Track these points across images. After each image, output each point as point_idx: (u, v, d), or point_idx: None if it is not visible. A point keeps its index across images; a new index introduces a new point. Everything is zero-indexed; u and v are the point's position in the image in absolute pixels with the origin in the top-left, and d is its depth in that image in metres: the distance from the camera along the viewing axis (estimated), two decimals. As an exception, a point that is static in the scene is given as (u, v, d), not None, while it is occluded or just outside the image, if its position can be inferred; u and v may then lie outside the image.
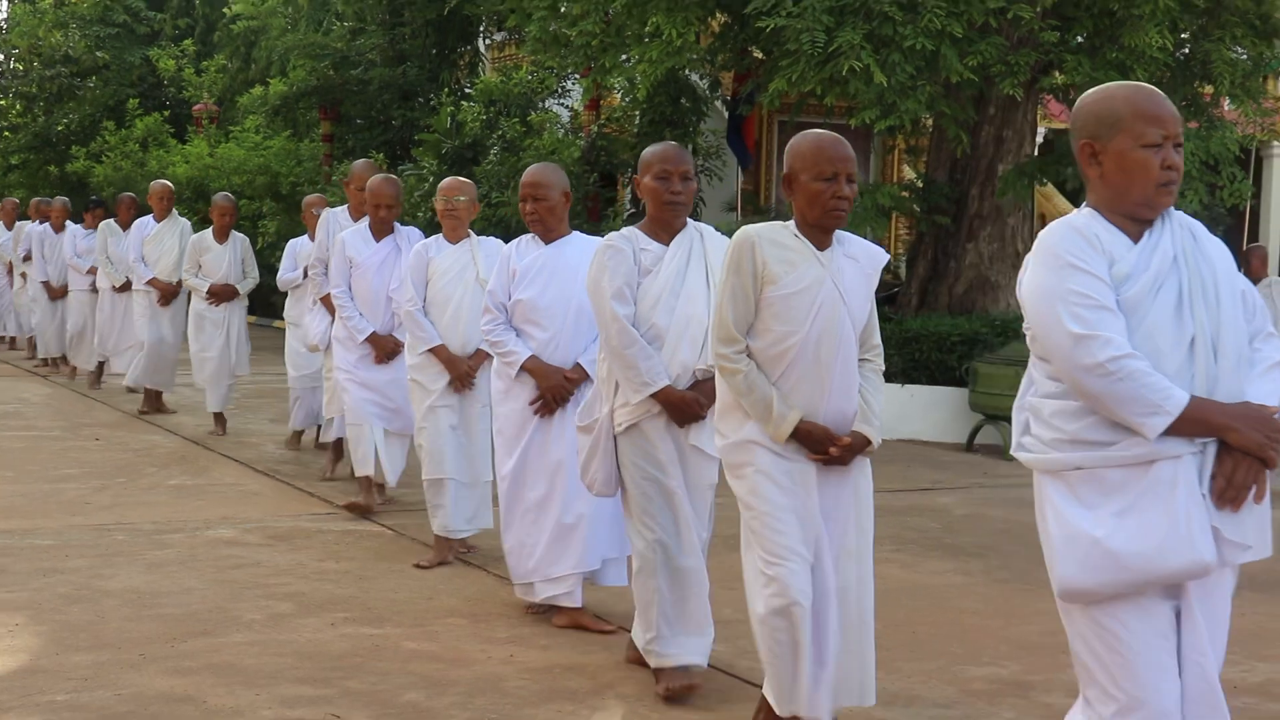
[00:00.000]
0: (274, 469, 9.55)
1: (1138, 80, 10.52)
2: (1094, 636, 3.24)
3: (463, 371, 6.75)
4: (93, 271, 13.96)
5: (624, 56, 13.19)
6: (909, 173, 16.62)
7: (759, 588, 4.15)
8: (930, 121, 12.94)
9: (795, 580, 4.08)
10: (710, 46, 14.07)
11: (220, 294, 11.05)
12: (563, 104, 18.53)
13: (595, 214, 16.35)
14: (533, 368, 5.71)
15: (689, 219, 5.08)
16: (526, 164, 15.65)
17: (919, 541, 7.74)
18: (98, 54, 28.59)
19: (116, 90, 28.65)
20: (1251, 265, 12.10)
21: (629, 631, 5.27)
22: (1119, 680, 3.21)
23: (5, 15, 33.18)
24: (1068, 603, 3.28)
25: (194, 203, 22.03)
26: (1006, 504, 8.93)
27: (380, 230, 7.85)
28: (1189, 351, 3.18)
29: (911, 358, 12.05)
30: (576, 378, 5.72)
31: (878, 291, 4.49)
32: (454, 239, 6.89)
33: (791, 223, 4.23)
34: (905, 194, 13.36)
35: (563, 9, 13.31)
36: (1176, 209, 3.31)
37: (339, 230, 8.33)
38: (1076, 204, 16.49)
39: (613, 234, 5.00)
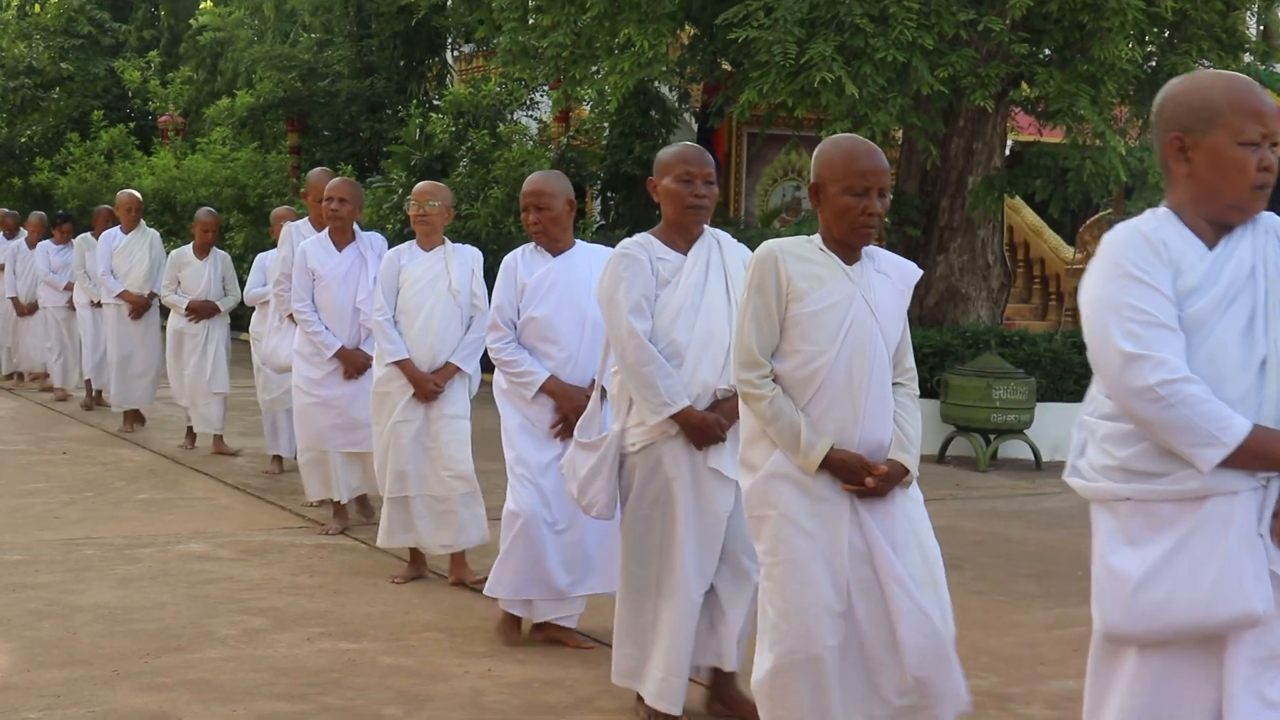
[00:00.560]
0: (244, 483, 9.47)
1: (1108, 91, 10.62)
2: (1134, 678, 2.94)
3: (429, 390, 6.50)
4: (70, 288, 13.64)
5: (594, 68, 13.17)
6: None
7: (774, 641, 3.82)
8: (900, 133, 12.98)
9: (820, 631, 3.77)
10: (680, 59, 14.08)
11: (199, 310, 10.69)
12: (531, 116, 18.51)
13: (565, 226, 16.30)
14: (554, 389, 5.45)
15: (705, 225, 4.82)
16: (496, 176, 15.69)
17: (894, 553, 7.72)
18: (62, 65, 28.38)
19: (81, 102, 28.45)
20: None
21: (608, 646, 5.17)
22: None
23: (-33, 26, 32.93)
24: (1112, 645, 2.99)
25: (160, 215, 21.90)
26: (980, 515, 8.94)
27: (341, 238, 7.54)
28: (1259, 375, 2.87)
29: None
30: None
31: None
32: (427, 246, 6.65)
33: (817, 236, 3.93)
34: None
35: (532, 21, 13.30)
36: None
37: (300, 243, 8.04)
38: (1044, 216, 16.64)
39: (627, 241, 4.70)
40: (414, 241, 6.71)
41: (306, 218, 8.58)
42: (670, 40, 12.72)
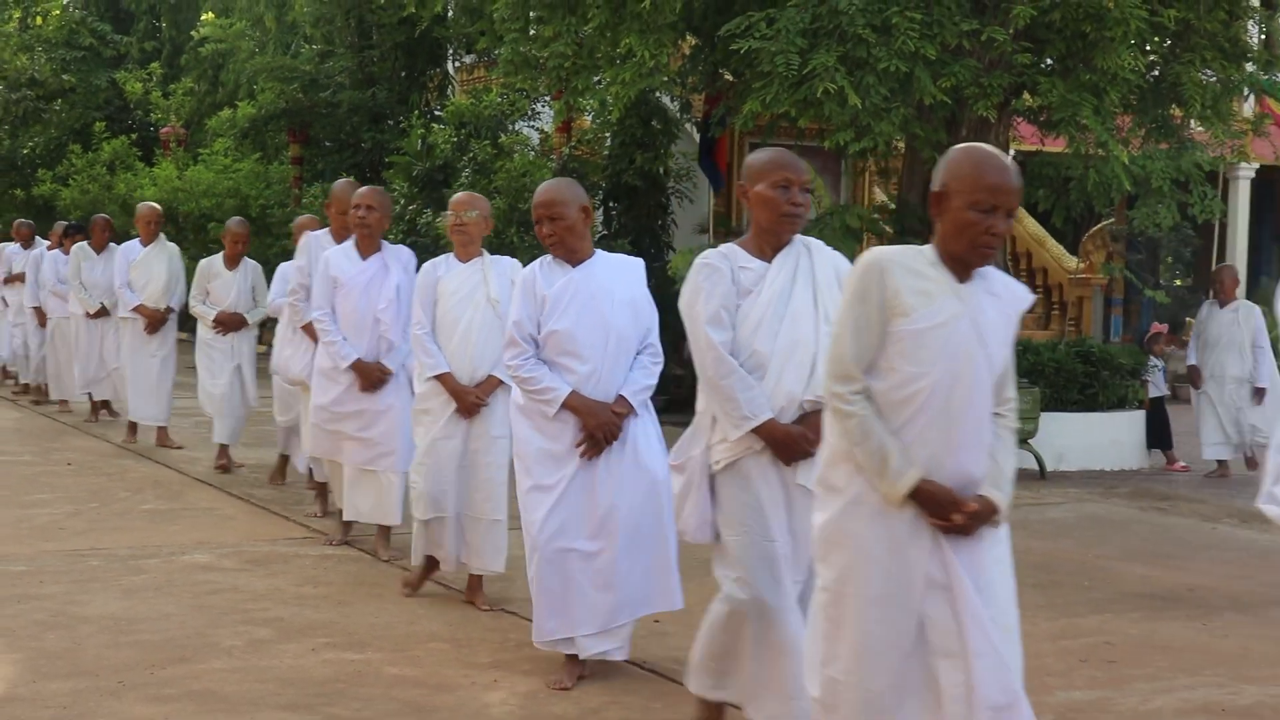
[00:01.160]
0: (249, 493, 9.46)
1: (1111, 101, 10.61)
2: None
3: (470, 403, 6.28)
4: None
5: (596, 78, 13.18)
6: (880, 195, 16.67)
7: (830, 676, 3.59)
8: (902, 143, 12.98)
9: (882, 670, 3.53)
10: (681, 69, 14.09)
11: (227, 323, 10.37)
12: (533, 126, 18.52)
13: (567, 236, 16.29)
14: (577, 405, 5.19)
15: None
16: (498, 186, 15.70)
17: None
18: (64, 77, 28.39)
19: (83, 113, 28.46)
20: (1224, 285, 12.11)
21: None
22: None
23: (-31, 38, 32.98)
24: None
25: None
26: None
27: (367, 246, 7.29)
28: None
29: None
30: (624, 412, 5.24)
31: None
32: (464, 257, 6.44)
33: (929, 248, 3.62)
34: (877, 216, 13.38)
35: (534, 31, 13.31)
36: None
37: (321, 253, 7.80)
38: (1047, 226, 16.62)
39: (709, 251, 4.45)
40: (451, 254, 6.52)
41: (328, 229, 8.32)
42: (671, 51, 12.73)
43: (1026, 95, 12.09)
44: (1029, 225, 17.27)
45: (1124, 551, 8.46)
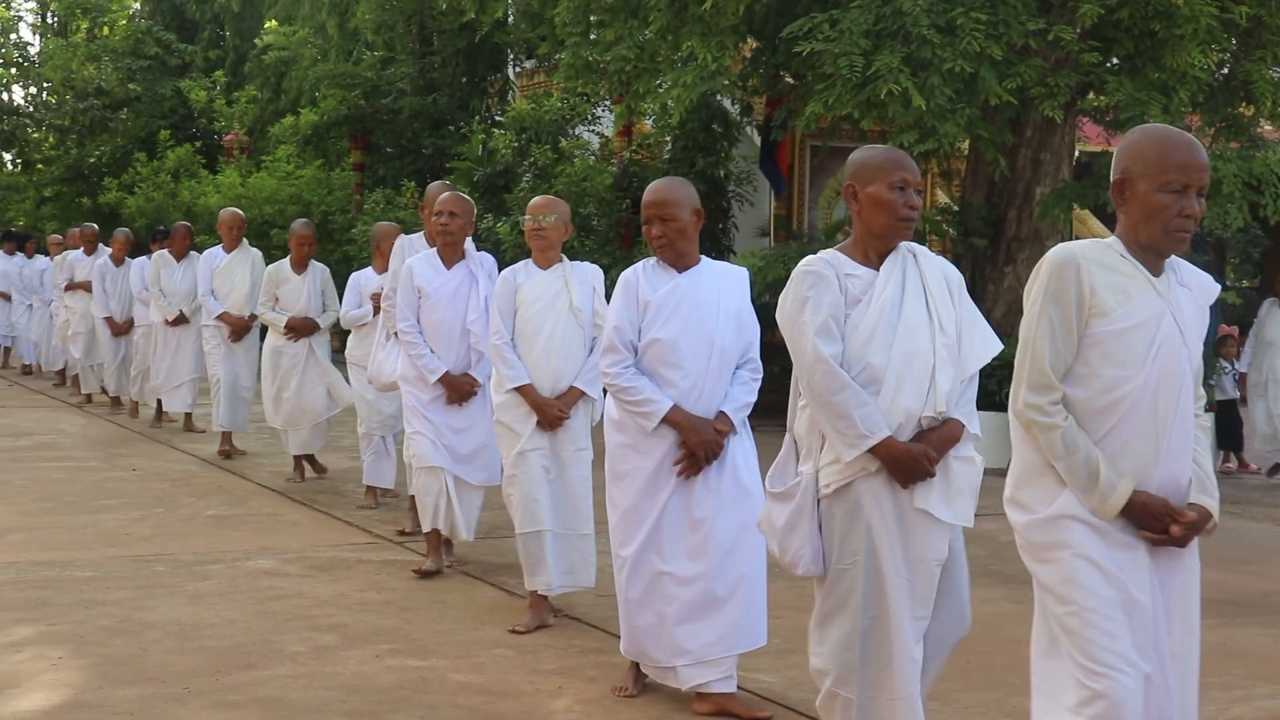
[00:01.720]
0: (312, 498, 9.49)
1: (1180, 99, 10.44)
2: None
3: (553, 415, 6.01)
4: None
5: (658, 81, 13.15)
6: (941, 196, 16.53)
7: (1075, 705, 3.28)
8: (966, 145, 12.86)
9: (1130, 699, 3.24)
10: (742, 72, 14.03)
11: (298, 328, 10.09)
12: (593, 131, 18.53)
13: (628, 241, 16.30)
14: (679, 420, 4.88)
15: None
16: (559, 191, 15.69)
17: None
18: (129, 86, 28.75)
19: (148, 122, 28.80)
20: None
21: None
22: None
23: (38, 49, 33.47)
24: None
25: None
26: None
27: (451, 255, 7.03)
28: None
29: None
30: (726, 429, 4.94)
31: None
32: (544, 263, 6.17)
33: (1116, 240, 3.42)
34: (939, 217, 13.27)
35: (594, 36, 13.30)
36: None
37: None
38: (1112, 227, 16.44)
39: (810, 258, 4.06)
40: (529, 260, 6.25)
41: (421, 233, 8.03)
42: (733, 53, 12.68)
43: (1092, 95, 11.94)
44: (1093, 225, 17.05)
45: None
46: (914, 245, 4.12)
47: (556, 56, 14.90)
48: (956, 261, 13.45)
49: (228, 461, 11.16)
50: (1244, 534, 9.17)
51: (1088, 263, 3.34)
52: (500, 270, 6.48)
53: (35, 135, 31.20)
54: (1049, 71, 10.91)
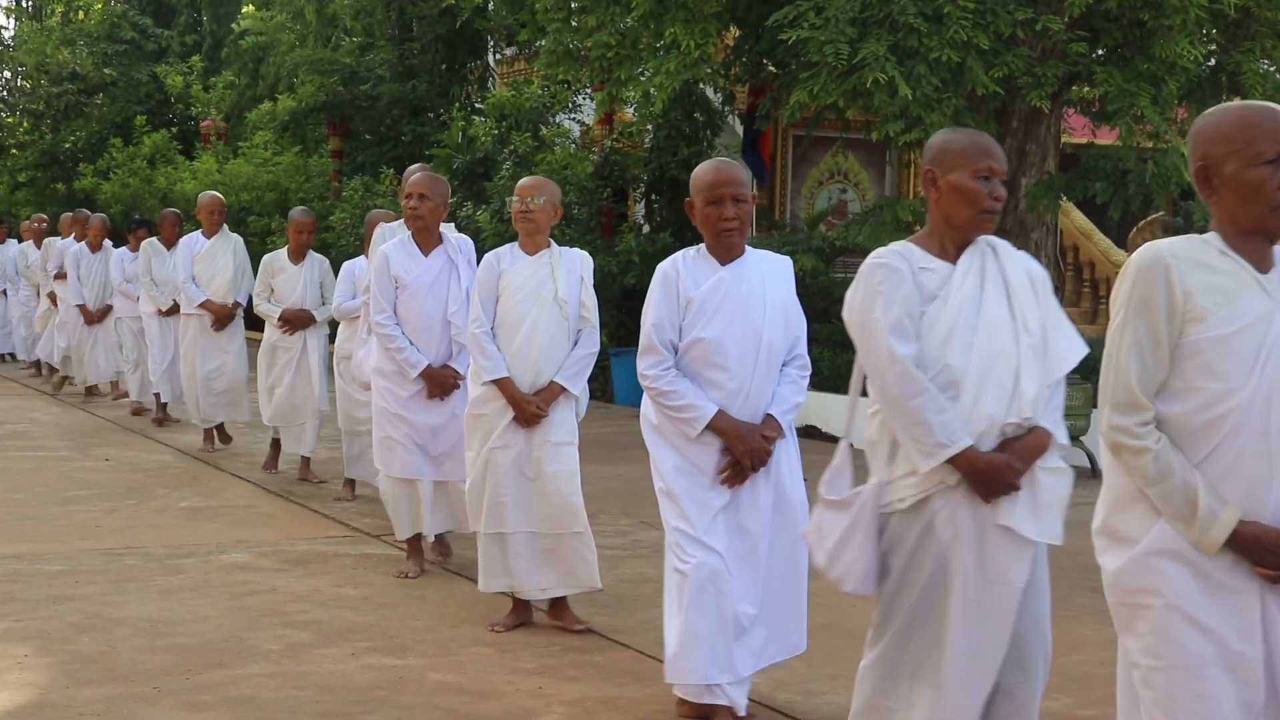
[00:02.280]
0: (287, 490, 9.33)
1: (1169, 90, 10.35)
2: None
3: (530, 412, 5.71)
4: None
5: (640, 69, 12.99)
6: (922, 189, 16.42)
7: None
8: (951, 135, 12.74)
9: None
10: (724, 60, 13.89)
11: (293, 321, 9.55)
12: (574, 118, 18.38)
13: (609, 229, 16.16)
14: (724, 427, 4.50)
15: None
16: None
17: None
18: (105, 71, 28.47)
19: (124, 107, 28.53)
20: None
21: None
22: None
23: (12, 33, 33.14)
24: None
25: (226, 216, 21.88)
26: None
27: (426, 240, 6.73)
28: None
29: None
30: (774, 435, 4.57)
31: None
32: (531, 249, 5.86)
33: (1213, 235, 3.05)
34: (924, 209, 13.15)
35: (575, 22, 13.14)
36: None
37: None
38: (1098, 221, 16.35)
39: (882, 250, 3.71)
40: (514, 244, 5.93)
41: (400, 220, 7.54)
42: (716, 41, 12.54)
43: (1079, 85, 11.84)
44: (1076, 218, 17.00)
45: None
46: (993, 239, 3.76)
47: (537, 43, 14.72)
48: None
49: (203, 452, 10.91)
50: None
51: (1179, 262, 2.96)
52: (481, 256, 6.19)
53: (9, 120, 30.89)
54: (1036, 61, 10.79)
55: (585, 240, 15.13)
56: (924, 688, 3.62)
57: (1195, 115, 11.82)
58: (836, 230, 14.86)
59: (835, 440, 4.71)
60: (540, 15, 13.29)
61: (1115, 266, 16.63)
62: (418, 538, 7.00)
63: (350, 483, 9.00)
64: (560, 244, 6.01)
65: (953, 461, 3.51)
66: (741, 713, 4.65)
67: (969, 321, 3.59)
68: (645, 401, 4.71)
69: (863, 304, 3.65)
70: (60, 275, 14.86)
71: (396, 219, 7.67)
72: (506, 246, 5.95)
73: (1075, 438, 10.89)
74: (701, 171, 4.63)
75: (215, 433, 11.10)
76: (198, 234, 10.93)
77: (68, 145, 28.44)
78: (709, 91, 15.88)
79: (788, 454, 4.69)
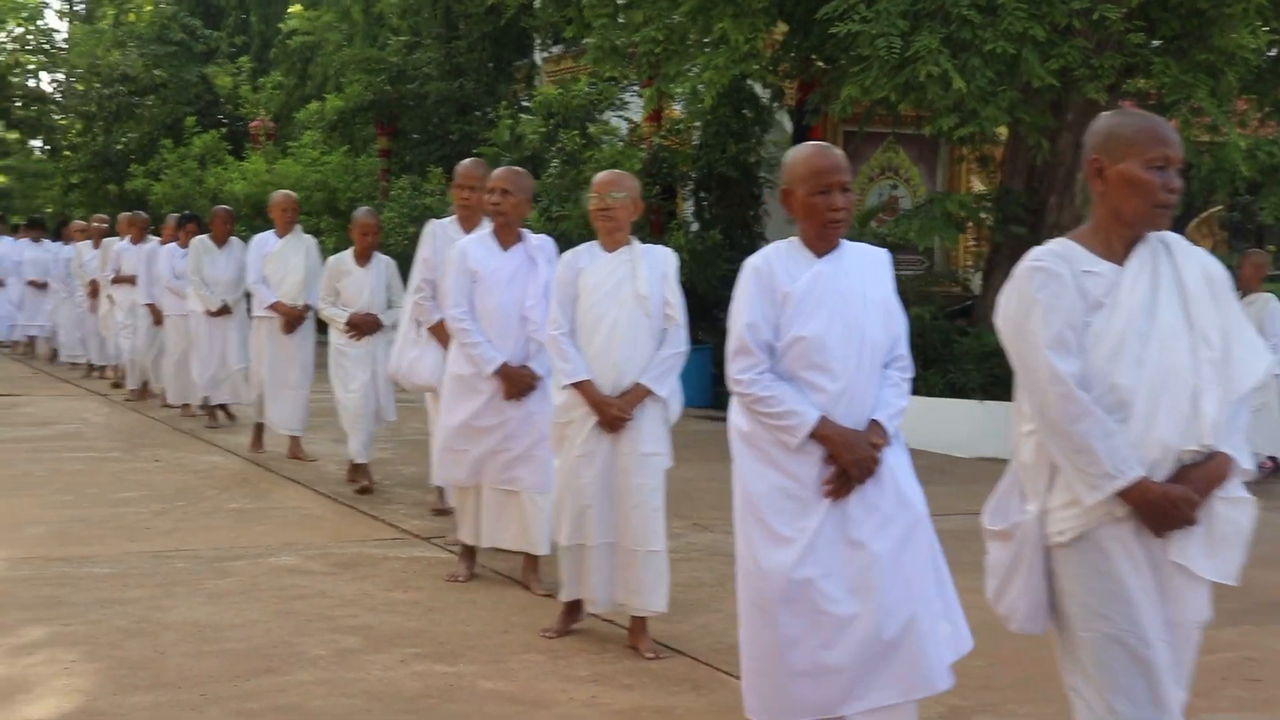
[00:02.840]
0: (336, 492, 9.27)
1: (1228, 82, 10.14)
2: None
3: (612, 415, 5.46)
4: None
5: (688, 65, 12.88)
6: (976, 183, 16.23)
7: None
8: (1005, 129, 12.56)
9: None
10: (773, 55, 13.76)
11: (361, 325, 9.18)
12: (621, 116, 18.28)
13: (658, 227, 16.05)
14: (829, 435, 4.00)
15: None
16: (587, 177, 15.44)
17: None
18: (155, 72, 28.69)
19: (174, 108, 28.73)
20: (1243, 273, 10.93)
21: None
22: None
23: (65, 36, 33.44)
24: None
25: (252, 220, 21.94)
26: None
27: (507, 236, 6.48)
28: None
29: (990, 373, 11.65)
30: (881, 442, 4.07)
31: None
32: (610, 245, 5.60)
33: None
34: (976, 204, 12.97)
35: (622, 19, 13.05)
36: None
37: (449, 244, 7.00)
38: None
39: (1039, 250, 3.37)
40: (594, 242, 5.68)
41: (453, 217, 7.45)
42: (765, 36, 12.42)
43: (1138, 76, 11.63)
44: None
45: (1255, 557, 8.00)
46: (1167, 235, 3.39)
47: (584, 40, 14.64)
48: (994, 250, 13.14)
49: (254, 454, 10.83)
50: None
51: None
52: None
53: (62, 122, 31.17)
54: (1093, 53, 10.60)
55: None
56: None
57: (1256, 109, 11.63)
58: (887, 226, 14.68)
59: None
60: (587, 12, 13.23)
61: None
62: (471, 551, 6.89)
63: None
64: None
65: (1122, 494, 3.22)
66: None
67: (1140, 333, 3.26)
68: (733, 408, 4.24)
69: (1018, 313, 3.33)
70: (120, 279, 14.68)
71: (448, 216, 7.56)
72: (585, 245, 5.72)
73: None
74: (803, 157, 4.18)
75: (293, 442, 10.76)
76: (269, 234, 10.55)
77: (119, 146, 28.67)
78: (757, 87, 15.74)
79: (899, 458, 4.19)
